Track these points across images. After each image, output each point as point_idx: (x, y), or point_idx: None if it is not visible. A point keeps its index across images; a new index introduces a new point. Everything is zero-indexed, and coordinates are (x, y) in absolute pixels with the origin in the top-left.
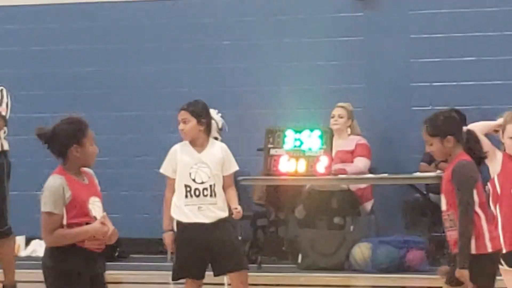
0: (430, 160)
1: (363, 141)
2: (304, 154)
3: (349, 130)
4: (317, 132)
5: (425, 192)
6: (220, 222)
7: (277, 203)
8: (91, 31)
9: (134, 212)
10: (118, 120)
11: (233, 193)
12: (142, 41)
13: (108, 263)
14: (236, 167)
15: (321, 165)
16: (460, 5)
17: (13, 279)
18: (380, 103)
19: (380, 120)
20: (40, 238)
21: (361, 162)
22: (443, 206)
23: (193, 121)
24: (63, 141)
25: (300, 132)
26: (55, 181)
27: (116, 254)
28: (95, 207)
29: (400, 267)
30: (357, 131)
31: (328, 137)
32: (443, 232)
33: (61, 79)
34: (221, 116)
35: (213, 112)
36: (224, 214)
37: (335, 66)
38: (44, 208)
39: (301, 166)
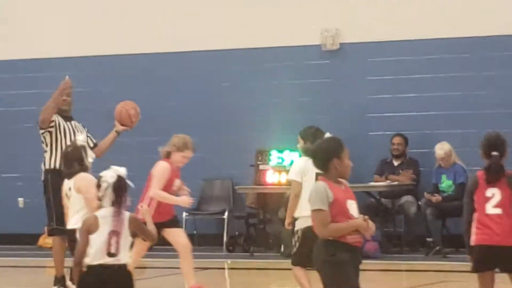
0: (381, 172)
1: None
2: (285, 169)
3: None
4: (296, 153)
5: (378, 197)
6: None
7: (265, 206)
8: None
9: None
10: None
11: None
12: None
13: None
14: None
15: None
16: (405, 53)
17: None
18: (343, 130)
19: (344, 143)
20: None
21: None
22: None
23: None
24: (326, 155)
25: (282, 152)
26: (319, 185)
27: None
28: (352, 207)
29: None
30: None
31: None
32: (393, 228)
33: None
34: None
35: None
36: None
37: (309, 101)
38: (313, 206)
39: (283, 178)
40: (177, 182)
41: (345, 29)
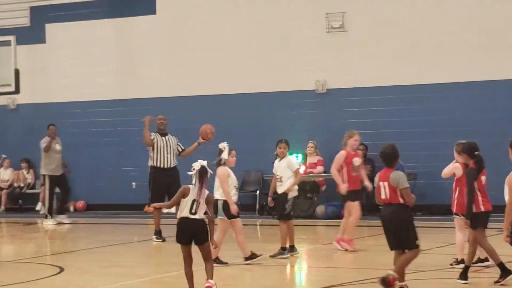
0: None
1: (320, 159)
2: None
3: (315, 153)
4: (300, 155)
5: None
6: None
7: None
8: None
9: None
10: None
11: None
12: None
13: None
14: None
15: (301, 170)
16: (369, 94)
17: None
18: (328, 145)
19: (328, 152)
20: None
21: (320, 168)
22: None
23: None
24: (396, 156)
25: (291, 154)
26: (400, 172)
27: None
28: None
29: (338, 216)
30: (318, 154)
31: (304, 156)
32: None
33: None
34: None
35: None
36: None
37: (306, 124)
38: (405, 185)
39: None
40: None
41: (330, 79)
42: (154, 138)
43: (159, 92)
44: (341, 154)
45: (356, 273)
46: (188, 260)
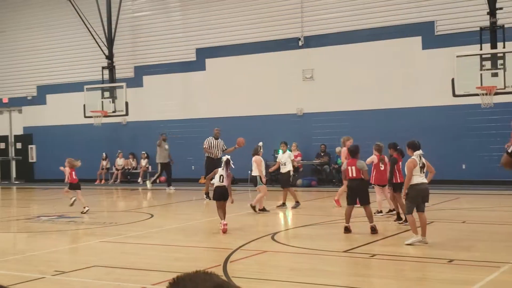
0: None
1: (300, 153)
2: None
3: (297, 150)
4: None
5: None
6: None
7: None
8: None
9: None
10: None
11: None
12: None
13: None
14: None
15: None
16: (331, 115)
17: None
18: (303, 145)
19: (304, 149)
20: None
21: (299, 158)
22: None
23: None
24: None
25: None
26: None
27: None
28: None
29: (309, 185)
30: (298, 150)
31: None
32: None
33: None
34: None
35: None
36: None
37: (291, 132)
38: (365, 168)
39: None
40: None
41: (305, 107)
42: (209, 140)
43: (207, 115)
44: (344, 150)
45: (324, 217)
46: (220, 209)
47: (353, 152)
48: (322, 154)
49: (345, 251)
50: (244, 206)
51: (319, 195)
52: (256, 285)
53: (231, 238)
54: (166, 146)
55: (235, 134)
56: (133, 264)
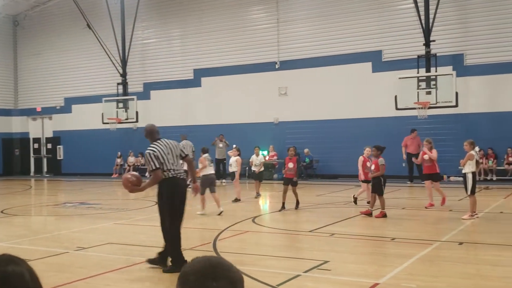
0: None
1: (275, 153)
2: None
3: (273, 151)
4: (266, 151)
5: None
6: None
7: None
8: None
9: None
10: None
11: None
12: None
13: None
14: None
15: (266, 158)
16: (299, 125)
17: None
18: (278, 147)
19: (278, 150)
20: None
21: (275, 157)
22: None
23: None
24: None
25: (263, 150)
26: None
27: None
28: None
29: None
30: (274, 151)
31: (269, 152)
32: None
33: None
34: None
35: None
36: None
37: (271, 138)
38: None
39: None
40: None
41: (280, 117)
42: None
43: (202, 122)
44: (360, 158)
45: (294, 204)
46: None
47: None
48: (293, 156)
49: (310, 231)
50: (231, 197)
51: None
52: (238, 258)
53: (219, 221)
54: (221, 145)
55: (225, 137)
56: (141, 242)
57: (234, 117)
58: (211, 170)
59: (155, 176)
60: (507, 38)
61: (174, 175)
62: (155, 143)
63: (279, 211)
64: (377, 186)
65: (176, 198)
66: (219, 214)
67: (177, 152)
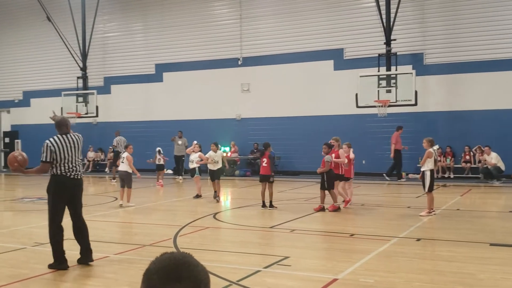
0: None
1: (237, 149)
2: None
3: (235, 147)
4: (227, 148)
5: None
6: None
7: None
8: None
9: None
10: None
11: None
12: None
13: None
14: None
15: (228, 154)
16: (267, 121)
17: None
18: (240, 143)
19: (240, 147)
20: None
21: (235, 154)
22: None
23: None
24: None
25: (222, 149)
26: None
27: None
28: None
29: (244, 176)
30: (235, 147)
31: (230, 148)
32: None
33: None
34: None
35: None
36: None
37: (233, 134)
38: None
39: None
40: None
41: (243, 113)
42: (116, 140)
43: (163, 118)
44: (341, 152)
45: (255, 200)
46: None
47: (265, 146)
48: (255, 150)
49: (271, 227)
50: (191, 194)
51: (252, 183)
52: (199, 254)
53: (180, 217)
54: (180, 142)
55: (186, 133)
56: (100, 237)
57: (196, 113)
58: (124, 168)
59: (41, 168)
60: (465, 38)
61: (64, 173)
62: (59, 136)
63: (262, 207)
64: (327, 182)
65: (62, 197)
66: (120, 205)
67: (79, 148)
